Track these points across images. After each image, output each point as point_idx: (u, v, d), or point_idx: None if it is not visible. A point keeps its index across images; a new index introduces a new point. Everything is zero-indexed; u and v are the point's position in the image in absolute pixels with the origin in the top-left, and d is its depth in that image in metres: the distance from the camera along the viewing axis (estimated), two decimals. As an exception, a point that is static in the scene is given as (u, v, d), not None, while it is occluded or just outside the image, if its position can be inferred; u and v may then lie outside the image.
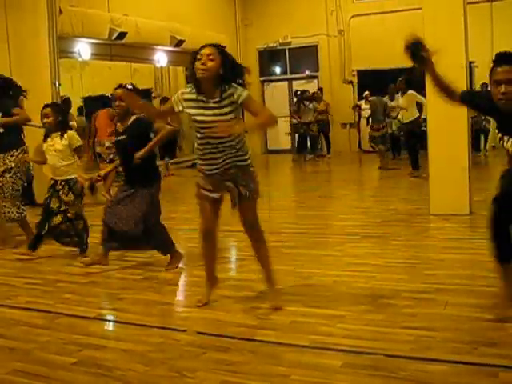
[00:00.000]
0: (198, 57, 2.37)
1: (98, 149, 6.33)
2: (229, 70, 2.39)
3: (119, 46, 7.80)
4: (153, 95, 9.37)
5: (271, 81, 11.69)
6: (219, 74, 2.37)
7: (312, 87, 10.56)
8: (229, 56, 2.44)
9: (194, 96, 2.45)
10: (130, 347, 2.21)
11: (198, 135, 2.50)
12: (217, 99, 2.40)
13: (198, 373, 1.96)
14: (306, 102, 9.26)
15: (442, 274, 2.91)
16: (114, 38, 7.50)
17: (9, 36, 6.10)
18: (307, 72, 11.32)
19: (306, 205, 5.74)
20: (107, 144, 6.12)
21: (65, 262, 3.71)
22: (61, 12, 6.48)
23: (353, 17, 10.52)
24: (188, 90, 2.48)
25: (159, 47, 8.69)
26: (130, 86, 3.37)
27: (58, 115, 3.63)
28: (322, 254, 3.50)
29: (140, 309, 2.67)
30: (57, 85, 6.05)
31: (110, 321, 2.60)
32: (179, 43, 8.77)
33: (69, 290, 3.05)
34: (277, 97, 11.47)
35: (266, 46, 11.31)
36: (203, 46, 2.42)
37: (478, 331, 2.16)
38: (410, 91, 6.54)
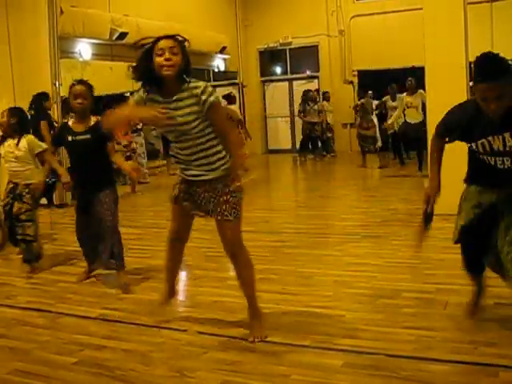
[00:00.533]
0: (159, 52, 2.01)
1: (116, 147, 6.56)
2: (189, 65, 2.09)
3: (120, 47, 7.80)
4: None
5: (272, 81, 11.70)
6: (182, 70, 2.05)
7: (312, 87, 10.57)
8: (186, 50, 2.10)
9: (155, 97, 2.11)
10: (131, 347, 2.21)
11: (170, 140, 2.24)
12: (176, 96, 2.07)
13: (199, 372, 1.97)
14: (310, 102, 9.27)
15: (443, 274, 2.91)
16: (114, 38, 7.50)
17: (9, 36, 6.10)
18: (308, 72, 11.32)
19: (306, 205, 5.75)
20: (124, 142, 6.68)
21: (66, 261, 3.71)
22: (62, 12, 6.48)
23: (353, 17, 10.51)
24: (144, 93, 2.13)
25: (160, 47, 8.69)
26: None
27: (12, 118, 3.45)
28: (322, 254, 3.50)
29: (141, 309, 2.67)
30: (57, 85, 6.05)
31: (110, 321, 2.59)
32: (180, 43, 8.77)
33: (70, 289, 3.06)
34: (277, 97, 11.48)
35: (266, 46, 11.31)
36: (159, 38, 2.05)
37: (478, 331, 2.16)
38: (420, 90, 6.52)
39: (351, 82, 10.67)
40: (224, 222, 2.17)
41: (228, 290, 2.87)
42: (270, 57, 11.61)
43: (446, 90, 4.18)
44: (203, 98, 2.05)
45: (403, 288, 2.73)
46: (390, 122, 7.39)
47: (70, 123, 3.14)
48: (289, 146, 11.48)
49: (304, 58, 11.29)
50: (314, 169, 9.02)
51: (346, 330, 2.25)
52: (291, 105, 11.20)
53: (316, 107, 9.27)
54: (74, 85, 3.03)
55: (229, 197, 2.15)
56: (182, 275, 3.38)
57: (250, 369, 1.97)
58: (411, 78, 6.73)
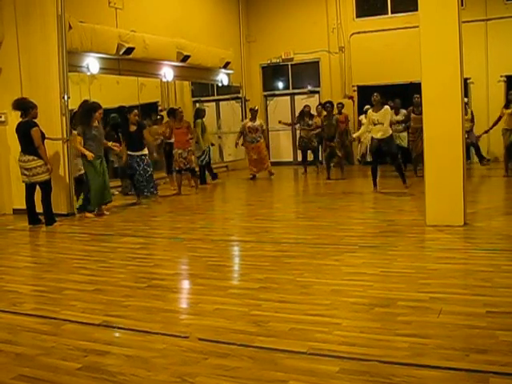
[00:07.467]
0: None
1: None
2: None
3: (127, 61, 7.97)
4: (159, 108, 9.54)
5: (274, 95, 11.88)
6: None
7: (314, 102, 10.73)
8: None
9: None
10: (134, 353, 2.26)
11: None
12: None
13: (199, 378, 2.01)
14: (305, 118, 9.40)
15: (437, 283, 2.96)
16: (121, 53, 7.66)
17: (19, 50, 6.27)
18: (309, 87, 11.50)
19: (306, 215, 5.79)
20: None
21: (70, 270, 3.79)
22: (70, 27, 6.64)
23: (353, 34, 10.74)
24: None
25: (166, 62, 8.87)
26: None
27: None
28: (320, 264, 3.55)
29: (144, 316, 2.73)
30: (65, 98, 6.19)
31: (114, 327, 2.64)
32: (185, 58, 8.96)
33: (75, 297, 3.12)
34: (279, 111, 11.65)
35: (269, 61, 11.53)
36: None
37: (469, 338, 2.21)
38: (386, 107, 6.74)
39: (351, 98, 10.84)
40: None
41: (229, 299, 2.93)
42: (272, 72, 11.81)
43: (442, 105, 4.29)
44: None
45: (398, 297, 2.78)
46: (355, 135, 7.78)
47: None
48: (290, 159, 11.63)
49: (305, 74, 11.49)
50: (313, 180, 9.10)
51: (342, 337, 2.31)
52: (293, 119, 11.37)
53: (311, 122, 9.37)
54: None
55: None
56: (185, 284, 3.45)
57: (248, 374, 2.02)
58: (377, 94, 6.72)
